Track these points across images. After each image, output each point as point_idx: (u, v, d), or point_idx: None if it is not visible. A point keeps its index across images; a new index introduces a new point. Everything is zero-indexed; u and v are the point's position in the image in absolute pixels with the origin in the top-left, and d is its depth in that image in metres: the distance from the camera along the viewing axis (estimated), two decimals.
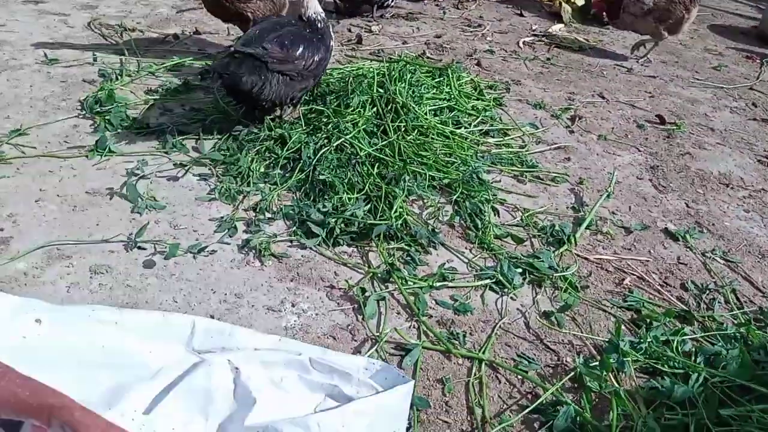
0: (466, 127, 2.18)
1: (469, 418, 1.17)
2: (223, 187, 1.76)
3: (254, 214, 1.68)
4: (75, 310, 0.97)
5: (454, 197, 1.80)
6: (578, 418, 1.16)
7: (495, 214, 1.77)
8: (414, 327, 1.38)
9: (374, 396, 0.95)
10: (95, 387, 0.82)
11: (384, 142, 1.93)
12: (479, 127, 2.22)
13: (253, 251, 1.54)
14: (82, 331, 0.89)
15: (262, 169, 1.85)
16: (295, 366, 0.99)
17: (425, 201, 1.80)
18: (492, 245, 1.64)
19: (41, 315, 0.89)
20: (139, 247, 1.50)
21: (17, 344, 0.84)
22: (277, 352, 1.00)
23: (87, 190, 1.69)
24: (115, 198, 1.68)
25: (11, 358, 0.81)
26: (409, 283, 1.49)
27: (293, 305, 1.40)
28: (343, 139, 1.91)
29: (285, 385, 0.95)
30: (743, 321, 1.48)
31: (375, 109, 2.09)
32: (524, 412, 1.19)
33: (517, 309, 1.47)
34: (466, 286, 1.51)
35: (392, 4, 3.49)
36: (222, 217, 1.65)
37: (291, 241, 1.60)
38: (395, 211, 1.66)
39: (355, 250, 1.60)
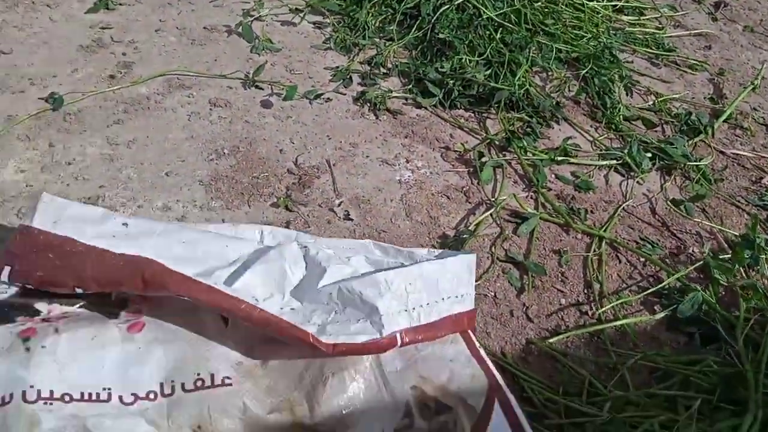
0: (598, 1, 1.98)
1: (585, 291, 1.13)
2: (338, 37, 1.69)
3: (369, 68, 1.61)
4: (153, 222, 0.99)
5: (583, 72, 1.66)
6: (704, 306, 1.10)
7: (627, 94, 1.64)
8: (531, 198, 1.32)
9: (439, 261, 0.92)
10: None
11: (509, 8, 1.79)
12: (613, 2, 2.01)
13: (368, 104, 1.49)
14: (163, 231, 0.93)
15: (378, 24, 1.76)
16: (360, 249, 0.99)
17: (550, 74, 1.68)
18: (620, 126, 1.52)
19: (127, 220, 0.94)
20: (257, 86, 1.48)
21: (108, 242, 0.88)
22: (342, 240, 1.02)
23: (205, 26, 1.66)
24: (232, 36, 1.64)
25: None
26: (529, 153, 1.41)
27: (407, 161, 1.36)
28: None
29: (352, 263, 0.94)
30: None
31: None
32: (645, 293, 1.13)
33: (643, 194, 1.37)
34: (590, 164, 1.42)
35: None
36: (337, 67, 1.59)
37: (406, 99, 1.53)
38: (518, 79, 1.56)
39: (473, 115, 1.52)
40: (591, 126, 1.54)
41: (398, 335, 0.83)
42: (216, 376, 0.81)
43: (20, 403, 0.70)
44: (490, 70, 1.59)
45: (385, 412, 0.80)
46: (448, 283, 0.90)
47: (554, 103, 1.54)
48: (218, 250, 0.90)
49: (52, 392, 0.73)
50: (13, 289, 0.87)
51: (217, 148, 1.31)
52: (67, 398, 0.73)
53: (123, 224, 0.90)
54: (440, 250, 0.98)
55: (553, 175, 1.38)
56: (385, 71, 1.61)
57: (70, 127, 1.29)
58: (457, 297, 0.90)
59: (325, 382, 0.82)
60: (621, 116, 1.55)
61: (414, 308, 0.85)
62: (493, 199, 1.28)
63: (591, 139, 1.49)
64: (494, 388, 0.83)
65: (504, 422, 0.79)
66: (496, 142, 1.43)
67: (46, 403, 0.72)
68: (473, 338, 0.90)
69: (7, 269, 0.86)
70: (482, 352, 0.88)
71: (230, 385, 0.81)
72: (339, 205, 1.23)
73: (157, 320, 0.86)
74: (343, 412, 0.80)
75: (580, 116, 1.57)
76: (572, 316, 1.07)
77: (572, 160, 1.41)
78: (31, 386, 0.72)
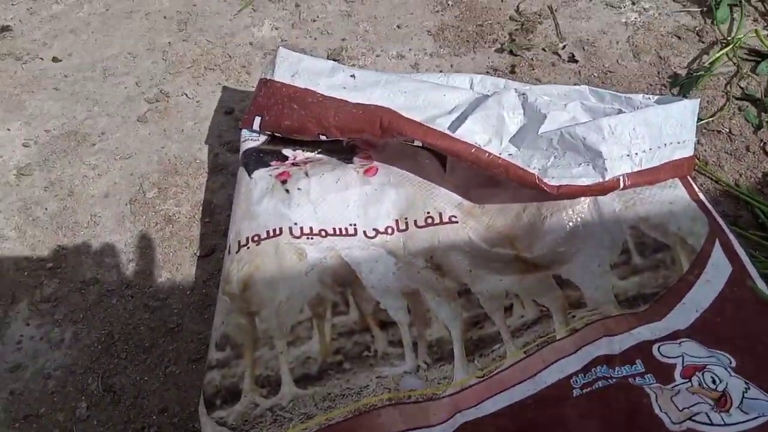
0: None
1: None
2: None
3: None
4: (376, 73, 1.02)
5: None
6: None
7: None
8: None
9: (663, 106, 0.86)
10: None
11: None
12: None
13: None
14: (386, 81, 0.97)
15: None
16: (576, 95, 0.95)
17: None
18: None
19: (354, 72, 0.99)
20: None
21: (340, 93, 0.95)
22: (556, 86, 0.98)
23: None
24: None
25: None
26: None
27: (633, 3, 1.27)
28: None
29: (569, 109, 0.91)
30: None
31: None
32: None
33: None
34: None
35: None
36: None
37: None
38: None
39: None
40: None
41: (621, 178, 0.83)
42: (443, 215, 0.90)
43: (288, 237, 0.85)
44: None
45: (602, 248, 0.84)
46: (670, 129, 0.86)
47: None
48: (437, 99, 0.95)
49: (311, 228, 0.87)
50: (263, 137, 1.01)
51: (441, 0, 1.33)
52: (323, 233, 0.87)
53: (351, 76, 0.97)
54: (658, 96, 0.93)
55: None
56: None
57: None
58: (678, 143, 0.87)
59: (543, 221, 0.87)
60: None
61: (636, 153, 0.84)
62: (730, 38, 1.15)
63: None
64: (715, 229, 0.82)
65: (724, 259, 0.79)
66: None
67: (308, 238, 0.86)
68: (693, 183, 0.88)
69: (257, 119, 1.00)
70: (702, 196, 0.86)
71: (456, 222, 0.89)
72: (563, 48, 1.21)
73: (386, 165, 0.95)
74: (561, 248, 0.85)
75: None
76: None
77: None
78: (295, 223, 0.86)
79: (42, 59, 1.29)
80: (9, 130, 1.16)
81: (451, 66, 1.22)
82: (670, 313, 0.76)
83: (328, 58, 1.22)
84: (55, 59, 1.29)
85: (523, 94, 0.95)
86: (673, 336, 0.72)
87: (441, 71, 1.18)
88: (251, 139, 1.00)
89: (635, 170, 0.85)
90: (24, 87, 1.24)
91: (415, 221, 0.90)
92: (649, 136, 0.86)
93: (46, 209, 1.03)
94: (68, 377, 0.83)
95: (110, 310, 0.90)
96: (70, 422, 0.79)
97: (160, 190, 1.05)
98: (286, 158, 0.98)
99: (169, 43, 1.31)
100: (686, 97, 1.01)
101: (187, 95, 1.21)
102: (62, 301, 0.91)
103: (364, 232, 0.89)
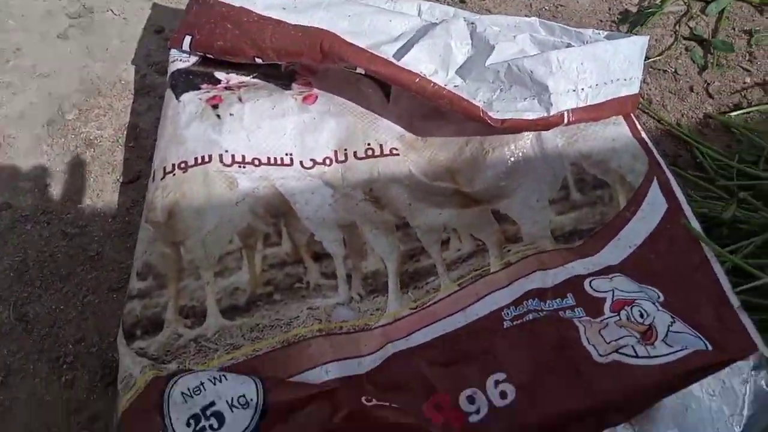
0: None
1: None
2: None
3: None
4: None
5: None
6: None
7: None
8: None
9: (612, 42, 0.85)
10: None
11: None
12: None
13: None
14: (329, 3, 0.91)
15: None
16: (526, 27, 0.92)
17: None
18: None
19: None
20: None
21: (279, 14, 0.89)
22: (506, 17, 0.94)
23: None
24: None
25: None
26: None
27: None
28: None
29: (518, 41, 0.89)
30: None
31: None
32: None
33: None
34: None
35: None
36: None
37: None
38: None
39: None
40: None
41: (565, 114, 0.81)
42: (384, 147, 0.86)
43: (218, 165, 0.80)
44: None
45: (542, 183, 0.83)
46: (618, 66, 0.85)
47: None
48: (383, 25, 0.90)
49: (243, 157, 0.82)
50: (194, 58, 0.94)
51: None
52: (256, 162, 0.83)
53: None
54: (608, 32, 0.91)
55: None
56: None
57: None
58: (625, 80, 0.85)
59: (485, 155, 0.85)
60: None
61: (582, 89, 0.82)
62: None
63: None
64: (654, 167, 0.82)
65: (660, 197, 0.79)
66: None
67: (240, 167, 0.81)
68: (636, 121, 0.87)
69: (188, 38, 0.93)
70: (644, 135, 0.86)
71: (397, 155, 0.86)
72: None
73: (326, 93, 0.91)
74: (502, 183, 0.84)
75: None
76: (756, 95, 0.99)
77: None
78: (226, 151, 0.81)
79: None
80: None
81: None
82: (604, 248, 0.76)
83: None
84: None
85: (473, 23, 0.91)
86: (606, 271, 0.73)
87: None
88: (180, 60, 0.93)
89: (580, 106, 0.83)
90: None
91: (355, 153, 0.86)
92: (597, 71, 0.84)
93: None
94: None
95: (24, 237, 0.84)
96: None
97: (81, 111, 0.97)
98: (218, 81, 0.92)
99: None
100: (635, 34, 1.00)
101: (113, 11, 1.11)
102: None
103: (301, 162, 0.85)
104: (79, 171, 0.91)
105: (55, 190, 0.89)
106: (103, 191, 0.89)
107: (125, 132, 0.95)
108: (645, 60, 0.89)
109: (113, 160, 0.92)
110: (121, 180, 0.90)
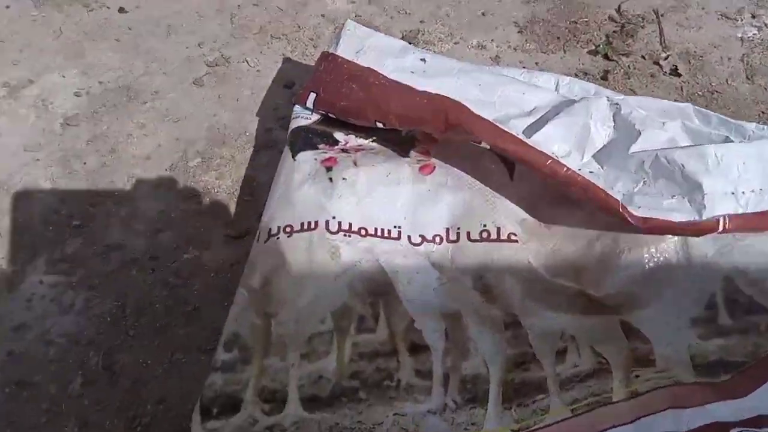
0: None
1: None
2: None
3: None
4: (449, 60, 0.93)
5: None
6: None
7: None
8: None
9: None
10: None
11: None
12: None
13: None
14: (460, 70, 0.87)
15: None
16: (677, 113, 0.81)
17: None
18: None
19: (424, 56, 0.89)
20: None
21: (407, 77, 0.85)
22: (655, 100, 0.85)
23: None
24: None
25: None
26: None
27: (753, 17, 1.14)
28: None
29: (668, 128, 0.78)
30: None
31: None
32: None
33: None
34: None
35: None
36: None
37: None
38: None
39: None
40: None
41: (721, 220, 0.69)
42: (502, 230, 0.78)
43: (324, 232, 0.76)
44: None
45: (685, 299, 0.71)
46: None
47: None
48: (515, 97, 0.83)
49: (350, 225, 0.78)
50: (315, 116, 0.92)
51: None
52: (363, 232, 0.78)
53: (421, 59, 0.87)
54: None
55: None
56: None
57: None
58: None
59: (619, 255, 0.74)
60: None
61: (744, 192, 0.70)
62: None
63: None
64: None
65: None
66: None
67: (345, 235, 0.77)
68: None
69: (312, 96, 0.91)
70: None
71: (516, 241, 0.78)
72: (666, 58, 1.08)
73: (445, 164, 0.85)
74: (635, 290, 0.73)
75: None
76: None
77: None
78: (333, 217, 0.77)
79: (109, 8, 1.25)
80: (64, 77, 1.12)
81: (536, 64, 1.10)
82: (756, 390, 0.63)
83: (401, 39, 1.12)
84: (121, 10, 1.24)
85: (617, 104, 0.81)
86: (756, 422, 0.59)
87: (524, 68, 1.06)
88: (303, 117, 0.91)
89: (739, 212, 0.70)
90: (87, 35, 1.20)
91: (468, 233, 0.79)
92: (762, 174, 0.71)
93: (84, 163, 0.99)
94: (71, 347, 0.78)
95: (128, 281, 0.84)
96: (61, 397, 0.74)
97: (204, 159, 0.99)
98: (336, 142, 0.89)
99: (239, 5, 1.24)
100: None
101: (248, 62, 1.14)
102: (81, 263, 0.86)
103: (409, 237, 0.79)
104: (191, 219, 0.91)
105: (166, 236, 0.89)
106: (211, 243, 0.88)
107: (242, 185, 0.95)
108: None
109: (226, 212, 0.92)
110: (230, 234, 0.89)
